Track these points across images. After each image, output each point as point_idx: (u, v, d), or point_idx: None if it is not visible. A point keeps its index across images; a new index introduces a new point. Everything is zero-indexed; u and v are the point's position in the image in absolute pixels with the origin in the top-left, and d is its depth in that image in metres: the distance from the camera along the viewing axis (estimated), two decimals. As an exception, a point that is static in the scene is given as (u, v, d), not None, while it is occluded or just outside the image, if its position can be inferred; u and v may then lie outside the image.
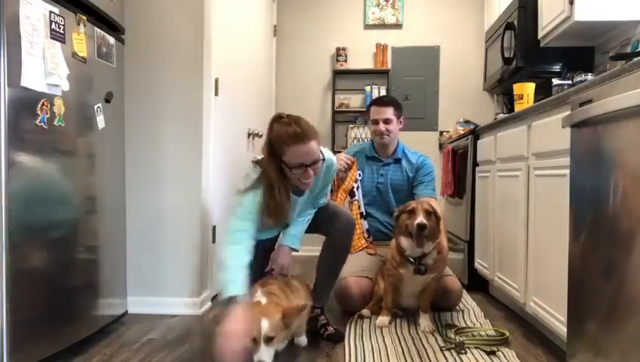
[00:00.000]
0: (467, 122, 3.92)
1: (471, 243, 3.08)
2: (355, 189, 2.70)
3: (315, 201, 2.17)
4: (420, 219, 2.10)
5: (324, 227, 2.18)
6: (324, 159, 1.93)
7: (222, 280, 1.70)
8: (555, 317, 1.84)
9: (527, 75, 3.15)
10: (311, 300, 2.05)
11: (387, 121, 2.72)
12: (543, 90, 2.77)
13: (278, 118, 1.89)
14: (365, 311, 2.41)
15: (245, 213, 1.85)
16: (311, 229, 2.20)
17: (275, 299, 1.77)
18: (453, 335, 2.05)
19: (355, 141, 4.34)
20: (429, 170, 2.77)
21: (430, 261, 2.19)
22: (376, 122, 2.74)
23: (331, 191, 2.61)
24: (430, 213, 2.16)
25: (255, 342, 1.64)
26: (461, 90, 4.41)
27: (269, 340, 1.65)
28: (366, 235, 2.72)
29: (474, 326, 2.24)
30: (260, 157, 1.97)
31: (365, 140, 4.32)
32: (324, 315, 2.18)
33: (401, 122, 2.79)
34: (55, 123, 1.70)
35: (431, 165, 2.81)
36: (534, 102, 2.59)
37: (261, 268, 2.05)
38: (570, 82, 2.41)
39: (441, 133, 4.40)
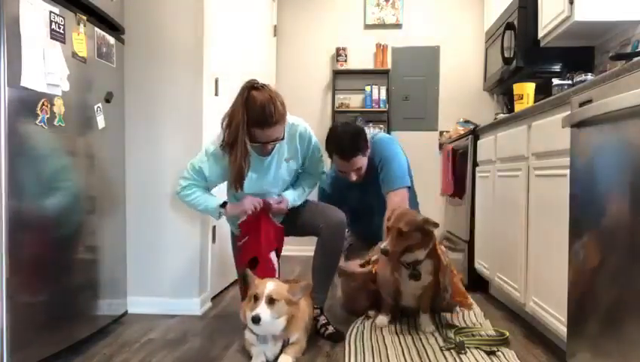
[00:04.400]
0: (467, 122, 3.92)
1: (471, 243, 3.08)
2: None
3: (306, 177, 2.27)
4: (384, 244, 2.07)
5: (314, 228, 2.18)
6: (283, 138, 2.07)
7: (204, 208, 2.15)
8: (555, 317, 1.84)
9: (527, 75, 3.14)
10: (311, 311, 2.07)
11: (358, 170, 2.39)
12: (543, 90, 2.77)
13: (254, 87, 1.99)
14: (372, 312, 2.40)
15: (205, 172, 2.10)
16: (302, 231, 2.22)
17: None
18: (453, 335, 2.05)
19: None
20: (386, 159, 2.42)
21: (427, 268, 2.17)
22: (345, 172, 2.40)
23: None
24: (404, 233, 2.06)
25: (256, 299, 1.72)
26: (461, 90, 4.41)
27: (270, 301, 1.71)
28: None
29: (474, 326, 2.24)
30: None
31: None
32: (324, 315, 2.18)
33: (368, 149, 2.40)
34: (55, 123, 1.70)
35: (382, 146, 2.45)
36: (534, 102, 2.59)
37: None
38: (570, 82, 2.41)
39: (441, 133, 4.40)
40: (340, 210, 2.23)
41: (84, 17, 1.87)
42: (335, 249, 2.19)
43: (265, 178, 2.16)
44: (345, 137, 2.32)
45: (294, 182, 2.33)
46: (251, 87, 1.98)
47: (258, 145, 2.03)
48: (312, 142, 2.25)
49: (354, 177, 2.39)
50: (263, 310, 1.69)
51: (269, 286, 1.75)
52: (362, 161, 2.37)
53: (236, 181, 2.04)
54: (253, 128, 1.97)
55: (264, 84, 2.01)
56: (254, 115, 1.94)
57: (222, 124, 2.04)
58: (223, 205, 2.13)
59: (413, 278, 2.16)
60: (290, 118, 2.15)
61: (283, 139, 2.08)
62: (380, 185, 2.46)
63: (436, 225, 2.13)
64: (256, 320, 1.67)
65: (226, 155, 2.04)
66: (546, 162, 1.98)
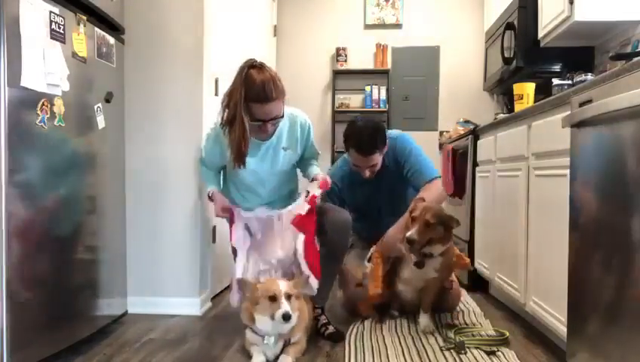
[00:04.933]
0: (467, 122, 3.92)
1: (471, 243, 3.08)
2: None
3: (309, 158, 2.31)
4: (411, 232, 2.06)
5: (319, 227, 2.17)
6: (283, 116, 2.06)
7: (205, 184, 2.31)
8: (555, 317, 1.84)
9: (527, 75, 3.15)
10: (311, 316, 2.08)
11: (373, 166, 2.36)
12: (543, 90, 2.77)
13: (252, 66, 1.99)
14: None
15: (207, 153, 2.25)
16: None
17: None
18: (453, 335, 2.05)
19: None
20: (411, 153, 2.41)
21: (436, 264, 2.18)
22: (359, 167, 2.36)
23: None
24: (430, 224, 2.08)
25: (274, 299, 1.75)
26: (461, 90, 4.42)
27: (288, 297, 1.76)
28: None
29: (474, 326, 2.24)
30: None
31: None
32: (325, 315, 2.19)
33: (385, 147, 2.37)
34: (55, 123, 1.70)
35: (406, 143, 2.45)
36: (534, 102, 2.59)
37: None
38: (570, 82, 2.41)
39: (441, 133, 4.40)
40: (345, 211, 2.23)
41: (84, 17, 1.87)
42: (339, 249, 2.19)
43: (262, 164, 2.15)
44: (365, 132, 2.29)
45: (303, 169, 2.35)
46: (250, 65, 1.99)
47: (258, 123, 2.02)
48: (311, 133, 2.27)
49: (367, 173, 2.36)
50: (288, 307, 1.73)
51: (283, 284, 1.79)
52: (378, 159, 2.35)
53: (237, 158, 2.05)
54: (252, 104, 1.96)
55: (262, 63, 2.02)
56: (254, 91, 1.94)
57: (221, 103, 2.05)
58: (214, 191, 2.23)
59: (416, 266, 2.16)
60: (289, 109, 2.16)
61: (283, 116, 2.07)
62: (391, 185, 2.49)
63: (458, 223, 2.16)
64: (288, 317, 1.71)
65: (226, 134, 2.05)
66: (546, 162, 1.98)
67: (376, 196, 2.53)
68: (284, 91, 2.01)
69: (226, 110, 2.02)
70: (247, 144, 2.02)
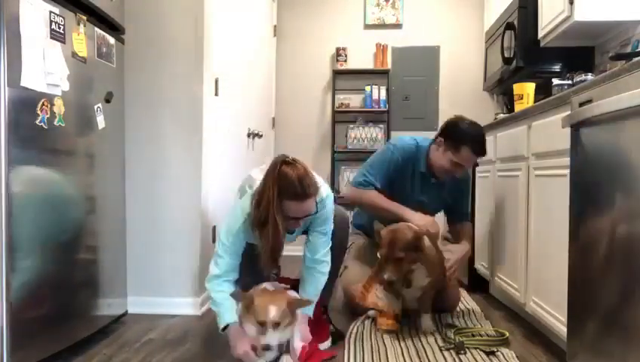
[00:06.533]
0: (467, 122, 3.91)
1: (471, 243, 3.08)
2: None
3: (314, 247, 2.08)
4: (387, 275, 2.03)
5: None
6: (317, 212, 1.93)
7: (216, 312, 1.88)
8: (555, 317, 1.84)
9: (527, 75, 3.14)
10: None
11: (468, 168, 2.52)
12: (543, 90, 2.77)
13: (285, 162, 1.84)
14: (372, 312, 2.39)
15: (231, 245, 1.91)
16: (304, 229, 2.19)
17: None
18: (453, 336, 2.05)
19: (355, 141, 4.33)
20: (467, 185, 2.68)
21: (423, 272, 2.15)
22: (459, 166, 2.39)
23: None
24: (402, 259, 2.05)
25: (262, 325, 1.70)
26: (461, 90, 4.41)
27: (275, 325, 1.70)
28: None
29: (474, 327, 2.24)
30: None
31: (365, 140, 4.32)
32: (326, 314, 2.18)
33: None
34: (55, 123, 1.70)
35: (469, 174, 2.63)
36: (534, 102, 2.59)
37: (254, 271, 2.05)
38: (570, 82, 2.41)
39: (441, 133, 4.40)
40: (343, 208, 2.22)
41: (84, 17, 1.87)
42: (338, 247, 2.19)
43: None
44: (483, 136, 2.40)
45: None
46: (282, 161, 1.85)
47: (290, 221, 1.88)
48: (325, 208, 2.05)
49: (460, 174, 2.46)
50: (271, 337, 1.68)
51: (272, 311, 1.70)
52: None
53: (271, 262, 1.90)
54: (288, 202, 1.81)
55: (294, 158, 1.89)
56: (290, 188, 1.79)
57: (251, 202, 1.90)
58: (226, 327, 1.87)
59: (407, 286, 2.15)
60: (321, 191, 1.97)
61: (317, 212, 1.93)
62: (433, 193, 2.53)
63: (425, 233, 2.15)
64: (267, 348, 1.68)
65: (256, 235, 1.89)
66: (546, 162, 1.98)
67: (412, 194, 2.51)
68: (317, 186, 1.89)
69: (257, 209, 1.85)
70: (281, 248, 1.90)
